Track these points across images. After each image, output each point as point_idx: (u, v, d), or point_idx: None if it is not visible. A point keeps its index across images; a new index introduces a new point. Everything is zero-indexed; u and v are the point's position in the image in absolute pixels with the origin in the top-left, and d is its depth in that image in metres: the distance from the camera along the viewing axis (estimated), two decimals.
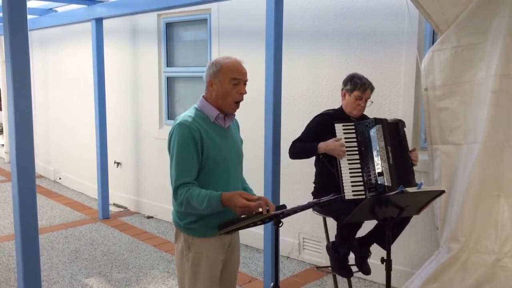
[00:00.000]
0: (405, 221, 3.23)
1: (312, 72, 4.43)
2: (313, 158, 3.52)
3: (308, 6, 4.39)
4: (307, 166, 3.76)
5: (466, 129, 3.16)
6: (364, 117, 3.44)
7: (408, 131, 3.77)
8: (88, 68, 6.21)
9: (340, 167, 3.20)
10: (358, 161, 3.21)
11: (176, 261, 2.50)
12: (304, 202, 2.51)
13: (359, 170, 3.19)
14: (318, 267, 4.40)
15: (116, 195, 6.51)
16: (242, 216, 2.24)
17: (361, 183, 3.16)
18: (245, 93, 2.38)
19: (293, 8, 4.40)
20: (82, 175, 7.28)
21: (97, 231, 5.54)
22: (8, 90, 3.03)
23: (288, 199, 4.26)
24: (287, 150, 3.44)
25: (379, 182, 3.09)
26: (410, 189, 2.49)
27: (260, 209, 2.39)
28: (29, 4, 6.11)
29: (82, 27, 6.47)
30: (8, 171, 8.61)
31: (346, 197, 3.12)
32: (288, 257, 4.74)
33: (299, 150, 3.38)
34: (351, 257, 3.42)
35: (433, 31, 3.68)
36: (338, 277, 3.65)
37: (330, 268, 3.56)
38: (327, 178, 3.37)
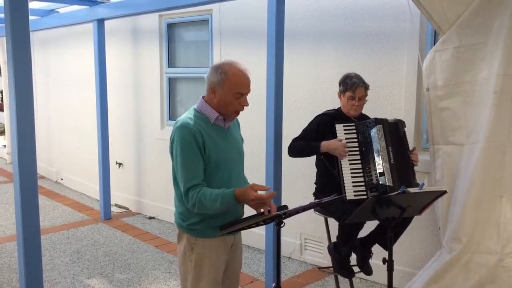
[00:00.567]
0: (407, 221, 3.23)
1: (314, 73, 4.43)
2: (314, 159, 3.52)
3: (310, 7, 4.39)
4: (309, 167, 3.77)
5: (468, 129, 3.15)
6: (365, 117, 3.45)
7: (410, 131, 3.77)
8: (90, 69, 6.22)
9: (341, 168, 3.20)
10: (359, 161, 3.21)
11: (179, 262, 2.50)
12: (306, 202, 2.51)
13: (360, 170, 3.19)
14: (319, 268, 4.40)
15: (118, 196, 6.52)
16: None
17: (363, 183, 3.16)
18: (247, 105, 2.37)
19: (295, 8, 4.40)
20: (84, 175, 7.29)
21: (99, 231, 5.55)
22: (10, 91, 3.03)
23: (289, 199, 4.26)
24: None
25: (380, 182, 3.09)
26: (412, 190, 2.49)
27: (262, 210, 2.41)
28: (31, 5, 6.13)
29: (84, 28, 6.47)
30: (10, 172, 8.62)
31: (348, 198, 3.12)
32: (289, 257, 4.74)
33: (299, 148, 3.38)
34: (353, 258, 3.42)
35: (435, 31, 3.68)
36: (340, 278, 3.65)
37: (331, 269, 3.56)
38: (328, 178, 3.37)
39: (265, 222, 2.49)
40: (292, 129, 4.17)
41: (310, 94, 4.47)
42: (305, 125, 3.52)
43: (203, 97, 2.43)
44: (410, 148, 3.39)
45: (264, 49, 3.90)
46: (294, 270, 4.47)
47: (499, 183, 3.03)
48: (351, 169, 3.20)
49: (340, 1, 4.19)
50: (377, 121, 3.22)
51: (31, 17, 3.43)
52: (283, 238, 2.69)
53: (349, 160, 3.21)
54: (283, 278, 4.26)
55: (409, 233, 3.78)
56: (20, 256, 3.16)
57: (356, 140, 3.26)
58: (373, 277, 3.79)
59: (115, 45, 6.28)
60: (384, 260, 2.71)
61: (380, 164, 3.12)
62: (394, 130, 3.28)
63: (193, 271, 2.40)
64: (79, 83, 7.13)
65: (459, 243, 3.12)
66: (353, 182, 3.17)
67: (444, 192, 2.65)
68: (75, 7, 6.12)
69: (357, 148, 3.24)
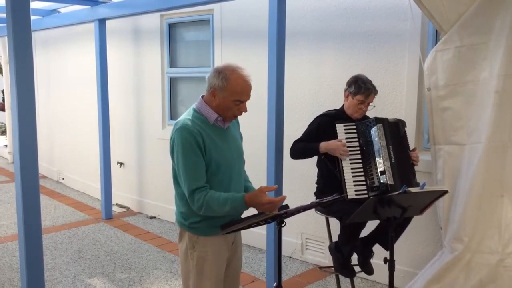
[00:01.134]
0: (407, 221, 3.23)
1: (315, 72, 4.43)
2: (315, 159, 3.52)
3: (311, 6, 4.39)
4: (310, 167, 3.77)
5: (469, 129, 3.15)
6: (365, 117, 3.44)
7: (411, 131, 3.77)
8: (91, 69, 6.22)
9: (342, 167, 3.20)
10: (360, 160, 3.21)
11: (181, 260, 2.50)
12: (307, 202, 2.51)
13: (361, 169, 3.19)
14: (321, 267, 4.40)
15: (119, 196, 6.52)
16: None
17: (364, 183, 3.16)
18: (246, 111, 2.38)
19: (296, 8, 4.40)
20: (85, 175, 7.30)
21: (100, 231, 5.55)
22: (11, 91, 3.04)
23: (290, 199, 4.26)
24: (289, 150, 3.44)
25: (381, 181, 3.09)
26: (413, 189, 2.49)
27: None
28: (32, 5, 6.13)
29: (85, 28, 6.48)
30: (12, 172, 8.64)
31: (349, 197, 3.12)
32: (290, 257, 4.74)
33: (300, 150, 3.38)
34: (354, 257, 3.42)
35: (436, 31, 3.67)
36: (341, 277, 3.65)
37: (333, 268, 3.56)
38: (329, 178, 3.37)
39: (266, 222, 2.50)
40: (293, 128, 4.17)
41: (311, 93, 4.47)
42: (306, 124, 3.52)
43: (202, 96, 2.42)
44: (411, 148, 3.39)
45: (265, 49, 3.89)
46: (295, 270, 4.47)
47: (501, 183, 3.03)
48: (352, 169, 3.20)
49: (341, 0, 4.19)
50: (378, 120, 3.22)
51: (32, 17, 3.43)
52: (284, 237, 2.71)
53: (350, 160, 3.21)
54: (284, 277, 4.26)
55: (410, 233, 3.78)
56: (21, 255, 3.16)
57: (356, 139, 3.26)
58: (374, 277, 3.79)
59: (116, 45, 6.28)
60: (385, 260, 2.71)
61: (381, 163, 3.12)
62: (394, 129, 3.28)
63: (195, 269, 2.40)
64: (80, 83, 7.13)
65: (460, 243, 3.12)
66: (354, 181, 3.17)
67: (445, 192, 2.65)
68: (77, 7, 6.12)
69: (358, 148, 3.24)
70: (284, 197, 2.31)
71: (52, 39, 7.75)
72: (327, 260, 4.37)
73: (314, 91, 4.45)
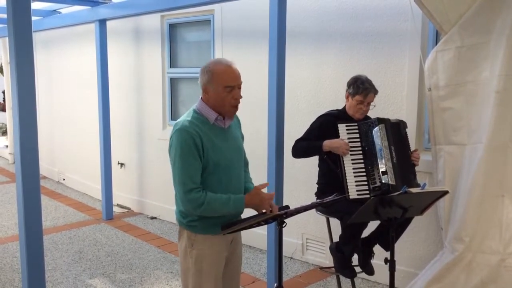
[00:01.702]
0: (407, 221, 3.23)
1: (316, 73, 4.43)
2: (317, 159, 3.52)
3: (311, 7, 4.39)
4: (311, 167, 3.77)
5: (470, 129, 3.15)
6: (367, 117, 3.44)
7: (412, 131, 3.77)
8: (92, 69, 6.22)
9: (344, 167, 3.20)
10: (362, 160, 3.21)
11: (180, 259, 2.52)
12: (308, 202, 2.52)
13: (363, 169, 3.19)
14: (321, 268, 4.40)
15: (120, 196, 6.52)
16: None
17: (365, 183, 3.16)
18: (240, 97, 2.38)
19: (297, 8, 4.40)
20: (86, 176, 7.30)
21: (101, 232, 5.55)
22: (12, 91, 3.04)
23: (291, 199, 4.26)
24: (290, 150, 3.44)
25: (383, 181, 3.09)
26: (414, 190, 2.49)
27: (264, 210, 2.41)
28: (33, 6, 6.14)
29: (86, 28, 6.48)
30: (13, 172, 8.64)
31: (351, 197, 3.13)
32: (291, 257, 4.74)
33: (302, 148, 3.38)
34: (355, 258, 3.42)
35: (437, 31, 3.67)
36: (342, 278, 3.65)
37: (333, 269, 3.56)
38: (330, 178, 3.37)
39: (266, 222, 2.50)
40: (293, 129, 4.17)
41: (312, 94, 4.47)
42: (307, 125, 3.52)
43: (201, 98, 2.44)
44: (412, 148, 3.39)
45: (265, 49, 3.89)
46: (296, 270, 4.47)
47: (501, 183, 3.03)
48: (353, 169, 3.20)
49: (341, 1, 4.19)
50: (380, 121, 3.23)
51: (33, 18, 3.44)
52: (284, 238, 2.71)
53: (352, 160, 3.22)
54: (285, 278, 4.26)
55: (411, 234, 3.78)
56: (22, 256, 3.16)
57: (358, 139, 3.26)
58: (375, 277, 3.79)
59: (117, 45, 6.28)
60: (386, 260, 2.71)
61: (382, 163, 3.13)
62: (396, 130, 3.29)
63: (193, 267, 2.41)
64: (81, 83, 7.14)
65: (461, 243, 3.12)
66: (356, 181, 3.17)
67: (446, 192, 2.65)
68: (77, 8, 6.13)
69: (360, 148, 3.24)
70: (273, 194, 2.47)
71: (53, 39, 7.76)
72: (327, 260, 4.37)
73: (315, 92, 4.45)
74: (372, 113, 3.52)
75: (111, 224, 5.84)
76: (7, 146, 10.07)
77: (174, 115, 5.95)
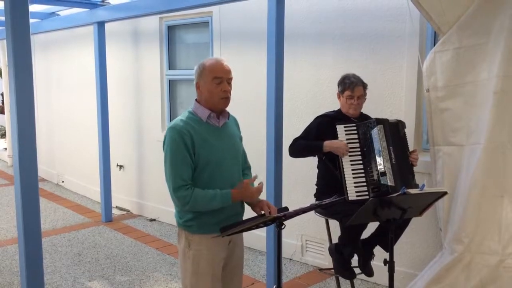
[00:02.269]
0: (406, 222, 3.23)
1: (314, 74, 4.43)
2: (315, 160, 3.52)
3: (310, 8, 4.40)
4: (309, 168, 3.77)
5: (469, 130, 3.15)
6: (366, 118, 3.45)
7: (410, 132, 3.77)
8: (90, 72, 6.22)
9: (343, 168, 3.20)
10: (361, 161, 3.21)
11: (179, 259, 2.54)
12: (307, 204, 2.52)
13: (362, 170, 3.19)
14: (321, 269, 4.39)
15: (119, 198, 6.52)
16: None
17: (364, 184, 3.16)
18: (229, 90, 2.43)
19: (295, 10, 4.40)
20: (85, 178, 7.30)
21: (100, 234, 5.55)
22: (10, 94, 3.04)
23: (290, 201, 4.26)
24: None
25: (382, 182, 3.09)
26: (413, 191, 2.49)
27: (263, 212, 2.42)
28: (31, 8, 6.13)
29: (84, 30, 6.48)
30: (11, 175, 8.63)
31: (350, 198, 3.12)
32: (291, 259, 4.74)
33: (301, 147, 3.38)
34: (354, 259, 3.42)
35: (435, 32, 3.68)
36: (341, 279, 3.65)
37: (333, 270, 3.56)
38: (329, 179, 3.37)
39: (265, 224, 2.50)
40: (292, 130, 4.17)
41: (311, 95, 4.47)
42: (305, 126, 3.52)
43: (195, 99, 2.51)
44: (410, 149, 3.39)
45: (264, 51, 3.90)
46: (295, 272, 4.47)
47: (500, 183, 3.03)
48: (352, 170, 3.20)
49: (340, 2, 4.20)
50: (378, 121, 3.23)
51: (31, 20, 3.44)
52: (284, 239, 2.71)
53: (351, 161, 3.21)
54: (284, 279, 4.26)
55: (410, 235, 3.78)
56: (21, 259, 3.16)
57: (357, 140, 3.26)
58: (374, 278, 3.78)
59: (115, 47, 6.28)
60: (385, 262, 2.71)
61: (381, 164, 3.13)
62: (395, 130, 3.29)
63: (191, 267, 2.43)
64: (79, 85, 7.14)
65: (460, 244, 3.12)
66: (355, 182, 3.17)
67: (445, 193, 2.65)
68: (76, 10, 6.13)
69: (359, 149, 3.24)
70: (261, 186, 2.46)
71: (51, 42, 7.75)
72: (327, 262, 4.36)
73: (313, 93, 4.45)
74: (371, 114, 3.53)
75: (110, 226, 5.84)
76: (6, 149, 10.06)
77: (172, 117, 5.95)
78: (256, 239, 4.72)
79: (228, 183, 2.44)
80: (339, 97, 3.44)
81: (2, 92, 10.14)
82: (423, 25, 3.78)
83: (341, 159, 3.21)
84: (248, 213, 2.51)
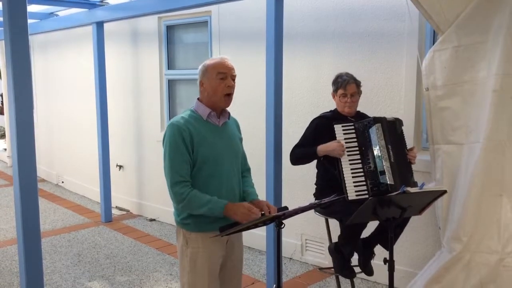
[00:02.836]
0: (405, 221, 3.22)
1: (313, 74, 4.43)
2: (315, 160, 3.51)
3: (308, 7, 4.39)
4: (309, 168, 3.76)
5: (468, 129, 3.15)
6: (364, 117, 3.44)
7: (410, 131, 3.77)
8: (89, 72, 6.22)
9: (342, 168, 3.20)
10: (359, 160, 3.21)
11: (178, 257, 2.55)
12: (306, 203, 2.51)
13: (361, 169, 3.19)
14: (321, 268, 4.39)
15: (119, 198, 6.52)
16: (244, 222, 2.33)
17: (364, 183, 3.15)
18: (233, 85, 2.44)
19: (294, 9, 4.40)
20: (84, 178, 7.29)
21: (100, 234, 5.55)
22: (9, 95, 3.04)
23: (290, 200, 4.26)
24: (288, 151, 3.44)
25: (381, 181, 3.08)
26: (412, 190, 2.49)
27: (262, 212, 2.42)
28: (30, 9, 6.12)
29: (83, 30, 6.48)
30: (11, 175, 8.62)
31: (350, 198, 3.12)
32: (290, 258, 4.74)
33: (299, 155, 3.40)
34: (354, 258, 3.42)
35: (434, 31, 3.68)
36: (341, 278, 3.64)
37: (333, 269, 3.56)
38: (329, 179, 3.36)
39: (264, 224, 2.50)
40: (291, 129, 4.18)
41: (310, 94, 4.47)
42: (305, 125, 3.51)
43: (197, 98, 2.51)
44: (408, 146, 3.39)
45: (263, 50, 3.90)
46: (295, 271, 4.47)
47: (500, 182, 3.02)
48: (351, 169, 3.20)
49: (338, 1, 4.19)
50: (376, 120, 3.22)
51: (30, 20, 3.43)
52: (284, 239, 2.71)
53: (349, 160, 3.21)
54: (284, 279, 4.26)
55: (409, 234, 3.78)
56: (20, 259, 3.16)
57: (355, 139, 3.25)
58: (374, 277, 3.78)
59: (114, 47, 6.28)
60: (385, 261, 2.70)
61: (380, 163, 3.12)
62: (392, 128, 3.28)
63: (188, 265, 2.44)
64: (78, 85, 7.13)
65: (459, 242, 3.12)
66: (354, 182, 3.17)
67: (444, 192, 2.65)
68: (74, 10, 6.13)
69: (357, 148, 3.23)
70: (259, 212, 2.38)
71: (50, 42, 7.75)
72: (327, 261, 4.36)
73: (313, 92, 4.45)
74: (371, 113, 3.52)
75: (110, 226, 5.84)
76: (5, 149, 10.06)
77: (172, 117, 5.92)
78: (256, 238, 4.72)
79: (226, 182, 2.44)
80: (333, 97, 3.45)
81: (1, 93, 10.13)
82: (422, 24, 3.78)
83: (340, 159, 3.21)
84: None
